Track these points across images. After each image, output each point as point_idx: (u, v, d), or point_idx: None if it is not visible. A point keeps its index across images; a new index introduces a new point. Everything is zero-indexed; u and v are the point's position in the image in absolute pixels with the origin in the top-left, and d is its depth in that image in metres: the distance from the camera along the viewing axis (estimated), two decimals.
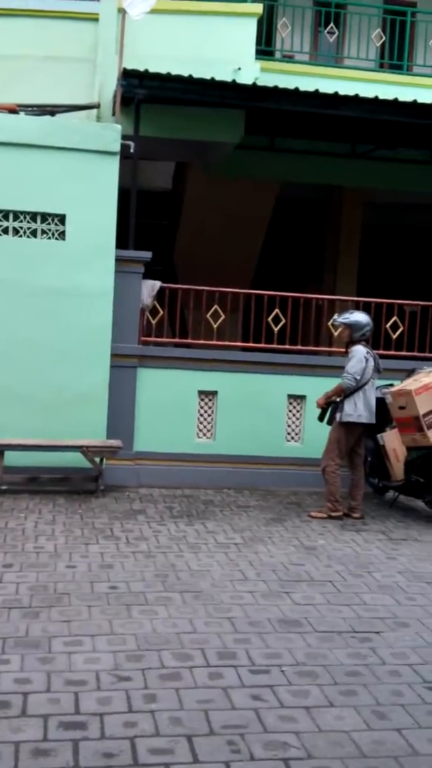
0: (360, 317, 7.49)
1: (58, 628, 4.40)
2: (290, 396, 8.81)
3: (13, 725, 3.33)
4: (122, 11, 8.71)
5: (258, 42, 10.05)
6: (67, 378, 7.95)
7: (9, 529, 6.34)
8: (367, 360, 7.32)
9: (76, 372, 7.98)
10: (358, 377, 7.22)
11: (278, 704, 3.66)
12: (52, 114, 8.81)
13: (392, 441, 7.82)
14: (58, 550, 5.87)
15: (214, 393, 8.66)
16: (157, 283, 8.58)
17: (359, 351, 7.33)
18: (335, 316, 7.70)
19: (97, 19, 9.33)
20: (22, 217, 7.93)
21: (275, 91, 8.64)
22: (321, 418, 7.59)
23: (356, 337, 7.44)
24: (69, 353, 7.97)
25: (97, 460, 7.82)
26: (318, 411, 7.63)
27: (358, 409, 7.25)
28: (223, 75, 8.85)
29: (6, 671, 3.84)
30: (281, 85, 8.67)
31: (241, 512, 7.44)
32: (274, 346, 8.87)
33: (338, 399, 7.40)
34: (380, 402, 7.61)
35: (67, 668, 3.92)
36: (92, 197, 8.00)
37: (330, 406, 7.48)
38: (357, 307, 8.99)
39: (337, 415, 7.32)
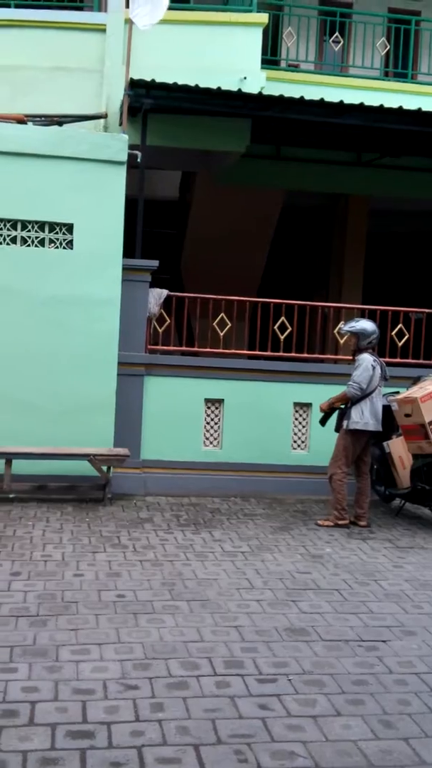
0: (366, 325, 7.49)
1: (66, 637, 4.42)
2: (296, 404, 8.82)
3: (20, 734, 3.35)
4: (129, 22, 8.76)
5: (263, 51, 10.09)
6: (74, 386, 7.98)
7: (17, 538, 6.36)
8: (374, 368, 7.32)
9: (83, 380, 8.01)
10: (364, 386, 7.23)
11: (285, 713, 3.67)
12: (60, 124, 8.86)
13: (398, 448, 7.82)
14: (65, 558, 5.88)
15: (221, 401, 8.68)
16: (164, 292, 8.62)
17: (366, 359, 7.34)
18: (341, 325, 7.71)
19: (104, 30, 9.39)
20: (30, 227, 7.98)
21: (281, 100, 8.68)
22: (322, 423, 7.61)
23: (363, 345, 7.45)
24: (76, 362, 8.00)
25: (105, 468, 7.85)
26: (320, 414, 7.64)
27: (364, 417, 7.26)
28: (229, 84, 8.89)
29: (13, 680, 3.86)
30: (287, 94, 8.71)
31: (248, 520, 7.44)
32: (280, 354, 8.89)
33: (342, 406, 7.41)
34: (386, 409, 7.62)
35: (75, 677, 3.93)
36: (99, 207, 8.05)
37: (333, 411, 7.50)
38: (363, 314, 9.00)
39: (344, 423, 7.33)
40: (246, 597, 5.25)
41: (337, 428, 7.43)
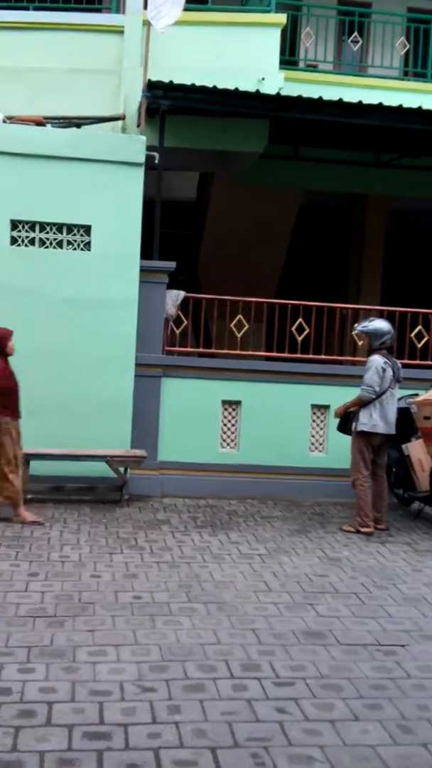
0: (380, 325, 7.37)
1: (83, 638, 4.42)
2: (314, 406, 8.79)
3: (38, 734, 3.35)
4: (147, 24, 8.78)
5: (282, 52, 10.07)
6: (91, 387, 7.99)
7: (34, 538, 6.38)
8: (384, 370, 7.19)
9: (100, 382, 8.02)
10: (377, 388, 7.13)
11: (303, 717, 3.64)
12: (78, 126, 8.89)
13: (417, 451, 7.76)
14: (82, 559, 5.89)
15: (238, 403, 8.66)
16: (181, 293, 8.62)
17: (375, 361, 7.22)
18: (355, 325, 7.65)
19: (122, 32, 9.41)
20: (48, 228, 8.00)
21: (299, 101, 8.65)
22: (341, 429, 7.54)
23: (376, 346, 7.32)
24: (94, 363, 8.02)
25: (122, 469, 7.85)
26: (337, 421, 7.59)
27: (373, 419, 7.15)
28: (247, 85, 8.89)
29: (31, 680, 3.86)
30: (305, 95, 8.68)
31: (265, 523, 7.42)
32: (298, 355, 8.86)
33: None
34: (405, 412, 7.56)
35: (92, 678, 3.93)
36: (117, 208, 8.06)
37: (349, 416, 7.42)
38: (381, 315, 8.94)
39: (353, 425, 7.27)
40: (263, 600, 5.23)
41: (347, 430, 7.36)
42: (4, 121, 8.22)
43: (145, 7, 8.79)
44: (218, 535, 6.83)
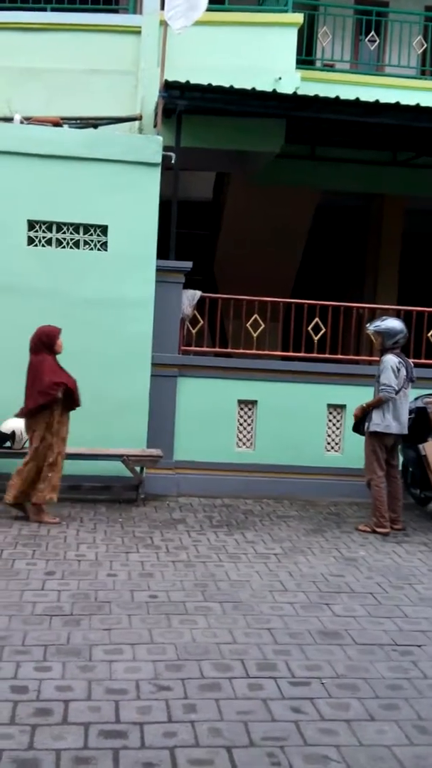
0: (392, 324, 7.32)
1: (99, 636, 4.44)
2: (330, 405, 8.77)
3: (54, 732, 3.37)
4: (164, 24, 8.79)
5: (298, 51, 10.06)
6: (108, 387, 8.01)
7: (51, 537, 6.41)
8: (398, 369, 7.15)
9: (117, 381, 8.04)
10: (396, 386, 7.10)
11: (318, 717, 3.64)
12: (95, 126, 8.92)
13: None
14: (99, 558, 5.91)
15: (254, 402, 8.65)
16: (198, 293, 8.62)
17: (389, 360, 7.16)
18: (367, 324, 7.60)
19: (138, 32, 9.43)
20: (65, 229, 8.03)
21: (316, 100, 8.64)
22: (356, 429, 7.50)
23: (389, 345, 7.26)
24: (110, 362, 8.04)
25: (138, 469, 7.87)
26: (354, 421, 7.56)
27: (386, 420, 7.11)
28: (264, 85, 8.88)
29: (48, 678, 3.88)
30: (322, 94, 8.67)
31: (281, 522, 7.41)
32: (314, 355, 8.84)
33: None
34: (422, 411, 7.52)
35: (108, 677, 3.95)
36: (134, 208, 8.08)
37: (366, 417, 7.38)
38: (398, 315, 8.90)
39: (365, 425, 7.24)
40: (279, 599, 5.23)
41: (361, 431, 7.34)
42: (22, 122, 8.26)
43: (162, 7, 8.81)
44: (234, 535, 6.83)
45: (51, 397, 6.76)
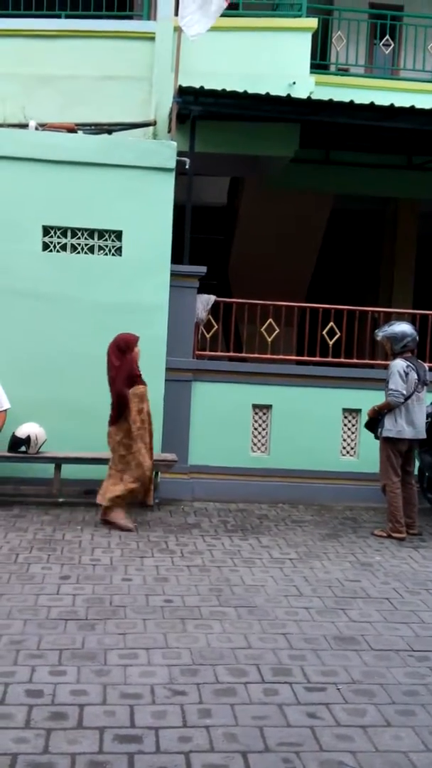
0: (399, 328, 7.24)
1: (114, 641, 4.43)
2: (345, 410, 8.74)
3: (69, 737, 3.37)
4: (178, 29, 8.82)
5: (312, 56, 10.05)
6: None
7: (66, 541, 6.42)
8: (407, 373, 7.08)
9: None
10: (405, 392, 7.05)
11: (334, 722, 3.62)
12: (110, 132, 8.95)
13: None
14: (113, 562, 5.91)
15: (269, 407, 8.64)
16: (212, 297, 8.63)
17: (397, 365, 7.10)
18: (376, 331, 7.55)
19: (152, 38, 9.46)
20: (80, 234, 8.06)
21: (330, 105, 8.62)
22: (368, 426, 7.45)
23: (397, 350, 7.21)
24: None
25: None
26: (367, 418, 7.53)
27: (398, 425, 7.06)
28: (278, 89, 8.87)
29: (62, 683, 3.88)
30: (336, 99, 8.65)
31: (296, 527, 7.39)
32: (329, 359, 8.81)
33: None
34: None
35: (123, 681, 3.94)
36: (148, 213, 8.10)
37: (380, 418, 7.31)
38: (413, 319, 8.89)
39: (378, 431, 7.20)
40: (294, 604, 5.20)
41: (375, 433, 7.31)
42: (37, 129, 8.30)
43: (176, 13, 8.84)
44: (249, 539, 6.82)
45: (123, 400, 6.89)
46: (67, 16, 9.86)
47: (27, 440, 7.57)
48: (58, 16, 9.82)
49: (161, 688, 3.89)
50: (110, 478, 7.04)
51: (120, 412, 6.97)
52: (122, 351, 7.04)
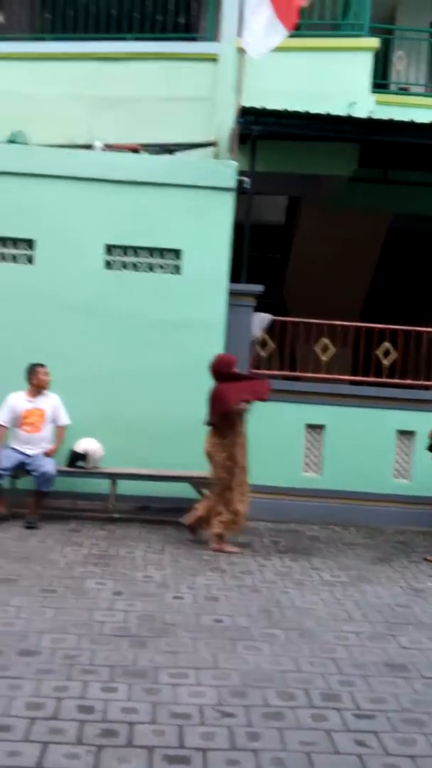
0: None
1: (165, 659, 4.49)
2: (400, 432, 8.67)
3: (119, 755, 3.43)
4: (241, 51, 8.93)
5: (373, 75, 10.06)
6: (178, 408, 8.11)
7: (120, 557, 6.52)
8: None
9: (187, 403, 8.10)
10: None
11: (383, 751, 3.61)
12: (172, 152, 9.11)
13: None
14: (165, 580, 5.98)
15: (322, 427, 8.63)
16: (268, 316, 8.67)
17: None
18: None
19: (215, 60, 9.60)
20: (140, 252, 8.21)
21: (390, 124, 8.63)
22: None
23: None
24: (181, 384, 8.14)
25: (206, 491, 7.92)
26: (428, 442, 7.48)
27: None
28: (339, 109, 8.91)
29: (114, 699, 3.95)
30: (396, 118, 8.65)
31: (347, 550, 7.36)
32: (384, 380, 8.77)
33: None
34: None
35: (173, 700, 3.99)
36: (207, 232, 8.21)
37: None
38: None
39: None
40: (344, 628, 5.19)
41: None
42: (102, 149, 8.50)
43: (240, 35, 8.95)
44: (300, 561, 6.82)
45: (236, 409, 6.97)
46: (134, 39, 10.06)
47: (84, 455, 7.72)
48: (124, 39, 10.04)
49: (210, 709, 3.93)
50: (214, 503, 7.03)
51: (223, 430, 6.97)
52: (224, 372, 7.09)
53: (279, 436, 8.52)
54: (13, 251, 8.19)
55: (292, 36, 9.48)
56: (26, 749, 3.42)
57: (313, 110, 8.52)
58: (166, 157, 8.78)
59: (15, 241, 8.19)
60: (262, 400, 7.18)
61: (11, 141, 8.55)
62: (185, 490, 7.87)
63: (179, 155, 9.13)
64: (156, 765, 3.36)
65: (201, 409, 8.11)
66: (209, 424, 7.07)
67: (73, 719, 3.72)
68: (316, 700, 4.11)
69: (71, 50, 9.79)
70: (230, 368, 7.14)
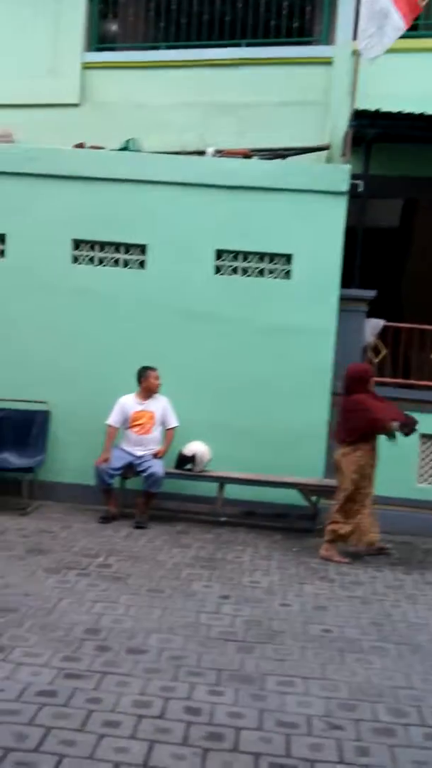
0: None
1: (272, 666, 4.41)
2: None
3: (225, 759, 3.37)
4: (356, 53, 8.79)
5: None
6: (286, 414, 8.03)
7: (227, 561, 6.48)
8: None
9: (295, 409, 8.04)
10: None
11: None
12: (284, 157, 9.05)
13: None
14: (272, 586, 5.89)
15: None
16: (381, 322, 8.46)
17: None
18: None
19: (329, 63, 9.48)
20: (250, 258, 8.18)
21: None
22: None
23: None
24: (290, 390, 8.05)
25: (314, 499, 7.80)
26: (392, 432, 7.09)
27: None
28: None
29: (220, 703, 3.91)
30: None
31: None
32: None
33: None
34: None
35: (280, 708, 3.91)
36: (319, 237, 8.09)
37: None
38: None
39: None
40: None
41: None
42: (214, 155, 8.54)
43: (355, 37, 8.82)
44: (412, 574, 6.58)
45: (387, 429, 6.79)
46: (248, 45, 10.08)
47: (192, 458, 7.74)
48: (238, 45, 10.07)
49: (318, 719, 3.82)
50: (335, 511, 6.91)
51: (357, 443, 6.81)
52: (360, 382, 6.91)
53: (391, 445, 8.23)
54: (126, 256, 8.33)
55: (407, 36, 9.27)
56: (134, 746, 3.43)
57: (430, 112, 8.27)
58: (277, 162, 8.72)
59: (128, 247, 8.32)
60: (412, 430, 6.88)
61: (124, 148, 8.71)
62: (292, 497, 7.77)
63: (291, 160, 9.05)
64: None
65: (309, 416, 8.03)
66: (345, 441, 6.83)
67: (179, 720, 3.69)
68: (429, 719, 3.93)
69: (185, 57, 9.90)
70: (369, 377, 6.93)
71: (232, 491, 7.84)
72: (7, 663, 4.20)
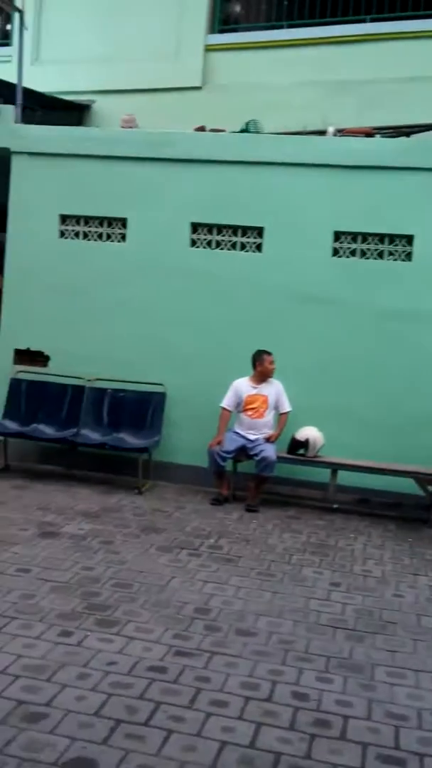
0: None
1: (382, 657, 4.33)
2: None
3: (332, 746, 3.34)
4: None
5: None
6: (403, 402, 7.82)
7: (339, 548, 6.40)
8: None
9: (414, 396, 7.82)
10: None
11: None
12: (408, 135, 8.77)
13: None
14: (385, 576, 5.78)
15: None
16: None
17: None
18: None
19: None
20: (370, 239, 7.99)
21: None
22: None
23: None
24: (408, 376, 7.84)
25: (430, 488, 7.57)
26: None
27: None
28: None
29: (328, 690, 3.87)
30: None
31: None
32: None
33: None
34: None
35: (389, 699, 3.83)
36: None
37: None
38: None
39: None
40: None
41: None
42: (335, 134, 8.38)
43: None
44: None
45: None
46: (372, 20, 9.82)
47: (306, 443, 7.67)
48: (363, 20, 9.82)
49: (429, 713, 3.72)
50: None
51: None
52: None
53: None
54: (243, 239, 8.30)
55: None
56: (240, 727, 3.44)
57: None
58: (401, 140, 8.45)
59: (245, 230, 8.29)
60: None
61: (245, 130, 8.67)
62: (408, 486, 7.57)
63: (417, 137, 8.76)
64: (369, 762, 3.24)
65: (429, 404, 7.78)
66: None
67: (287, 704, 3.68)
68: None
69: (307, 36, 9.77)
70: None
71: (345, 478, 7.72)
72: (120, 637, 4.31)
